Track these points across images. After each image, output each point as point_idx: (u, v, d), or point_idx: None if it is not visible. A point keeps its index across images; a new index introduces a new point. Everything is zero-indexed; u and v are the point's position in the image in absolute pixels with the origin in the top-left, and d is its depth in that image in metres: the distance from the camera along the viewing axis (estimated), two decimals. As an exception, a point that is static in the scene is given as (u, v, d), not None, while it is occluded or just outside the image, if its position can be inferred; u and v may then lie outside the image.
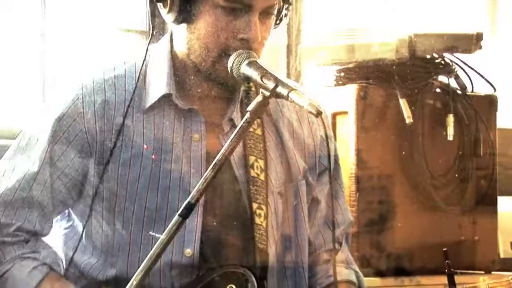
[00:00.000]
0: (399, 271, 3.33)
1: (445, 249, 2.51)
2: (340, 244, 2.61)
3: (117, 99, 2.39)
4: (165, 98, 2.38)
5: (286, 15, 2.44)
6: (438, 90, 3.48)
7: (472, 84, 3.53)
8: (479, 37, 3.49)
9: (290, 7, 2.43)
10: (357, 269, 2.68)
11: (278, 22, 2.41)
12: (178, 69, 2.43)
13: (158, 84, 2.40)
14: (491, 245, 3.52)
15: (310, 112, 2.20)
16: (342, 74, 3.51)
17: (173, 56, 2.44)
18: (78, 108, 2.38)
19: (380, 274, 3.26)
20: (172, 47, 2.44)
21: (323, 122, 2.40)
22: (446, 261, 2.42)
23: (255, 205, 2.41)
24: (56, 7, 3.49)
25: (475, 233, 3.48)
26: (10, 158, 2.43)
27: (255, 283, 2.31)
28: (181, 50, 2.41)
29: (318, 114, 2.18)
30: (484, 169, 3.52)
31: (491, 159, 3.53)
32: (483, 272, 3.34)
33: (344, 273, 2.58)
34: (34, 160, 2.37)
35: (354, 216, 3.09)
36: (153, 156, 2.36)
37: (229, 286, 2.34)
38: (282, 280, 2.51)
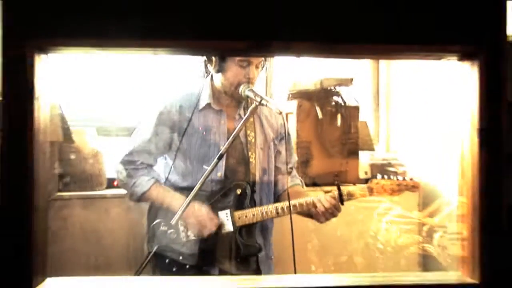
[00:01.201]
0: (315, 184, 3.30)
1: (336, 173, 2.51)
2: (291, 170, 2.59)
3: (186, 105, 2.39)
4: (208, 105, 2.37)
5: (264, 66, 2.43)
6: (333, 103, 3.43)
7: (348, 100, 3.49)
8: (352, 79, 3.45)
9: (267, 63, 2.43)
10: (301, 179, 2.67)
11: (262, 67, 2.43)
12: (214, 92, 2.40)
13: (205, 98, 2.38)
14: (355, 172, 3.48)
15: (276, 112, 2.21)
16: (291, 95, 3.45)
17: (212, 86, 2.40)
18: (168, 109, 2.39)
19: (306, 185, 3.23)
20: (212, 82, 2.41)
21: (282, 117, 2.40)
22: (336, 180, 2.40)
23: (249, 153, 2.41)
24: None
25: (347, 167, 3.44)
26: (138, 132, 2.42)
27: (249, 189, 2.32)
28: (217, 83, 2.40)
29: (280, 113, 2.19)
30: (353, 139, 3.48)
31: (355, 135, 3.49)
32: (352, 184, 3.32)
33: (295, 181, 2.57)
34: (148, 132, 2.37)
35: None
36: (202, 133, 2.37)
37: (237, 189, 2.35)
38: (262, 188, 2.50)
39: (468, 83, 1.64)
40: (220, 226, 2.38)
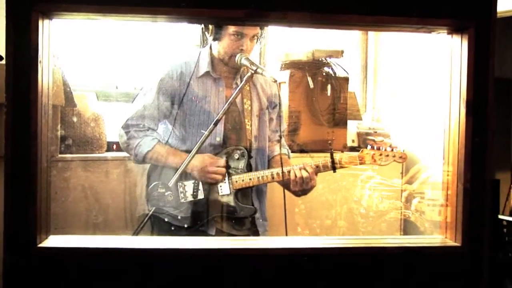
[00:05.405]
0: (303, 151, 3.25)
1: (329, 141, 2.51)
2: (281, 138, 2.56)
3: (186, 72, 2.32)
4: (207, 73, 2.31)
5: (262, 37, 2.38)
6: (324, 73, 3.37)
7: (337, 71, 3.44)
8: (342, 52, 3.39)
9: (263, 34, 2.37)
10: (288, 148, 2.64)
11: (257, 41, 2.37)
12: (213, 60, 2.33)
13: (204, 66, 2.31)
14: (342, 141, 3.44)
15: (271, 80, 2.19)
16: (284, 65, 3.37)
17: (211, 54, 2.33)
18: (169, 75, 2.35)
19: (294, 151, 3.16)
20: (211, 50, 2.34)
21: (276, 85, 2.38)
22: (330, 149, 2.38)
23: (246, 120, 2.38)
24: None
25: (335, 135, 3.41)
26: (139, 98, 2.37)
27: (246, 153, 2.29)
28: (214, 52, 2.33)
29: (274, 81, 2.17)
30: (341, 109, 3.44)
31: (344, 105, 3.44)
32: (340, 151, 3.30)
33: (283, 150, 2.55)
34: (149, 98, 2.32)
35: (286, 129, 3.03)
36: (201, 99, 2.34)
37: (235, 154, 2.34)
38: (258, 154, 2.48)
39: (457, 56, 1.62)
40: (219, 186, 2.37)
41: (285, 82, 3.29)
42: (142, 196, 2.49)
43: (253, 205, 2.45)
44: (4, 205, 1.43)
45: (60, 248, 1.50)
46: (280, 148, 2.49)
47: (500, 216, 2.09)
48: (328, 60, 3.39)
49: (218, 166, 2.34)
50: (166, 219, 2.37)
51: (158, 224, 2.38)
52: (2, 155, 1.42)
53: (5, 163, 1.42)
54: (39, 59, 1.44)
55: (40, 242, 1.49)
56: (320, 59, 3.37)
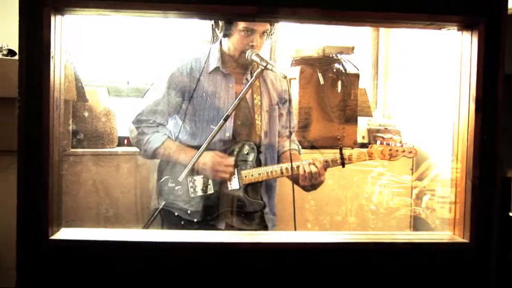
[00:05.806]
0: (313, 147, 3.25)
1: (339, 137, 2.51)
2: (291, 133, 2.56)
3: (196, 68, 2.32)
4: (217, 69, 2.31)
5: (272, 33, 2.38)
6: (334, 70, 3.36)
7: (348, 68, 3.42)
8: (353, 48, 3.38)
9: (273, 30, 2.37)
10: (298, 144, 2.63)
11: (267, 36, 2.37)
12: (223, 56, 2.33)
13: (214, 62, 2.31)
14: (353, 137, 3.42)
15: (281, 76, 2.19)
16: (294, 61, 3.36)
17: (221, 50, 2.33)
18: (180, 71, 2.34)
19: (305, 148, 3.17)
20: (221, 46, 2.34)
21: (286, 81, 2.37)
22: (339, 144, 2.38)
23: (256, 115, 2.37)
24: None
25: (346, 132, 3.40)
26: (150, 93, 2.38)
27: (256, 148, 2.29)
28: (225, 48, 2.33)
29: (285, 77, 2.16)
30: (352, 106, 3.42)
31: (354, 101, 3.42)
32: (350, 147, 3.29)
33: (292, 146, 2.55)
34: (160, 93, 2.32)
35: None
36: (211, 95, 2.33)
37: (244, 149, 2.34)
38: (267, 149, 2.48)
39: (467, 52, 1.62)
40: (229, 180, 2.39)
41: (295, 78, 3.30)
42: (152, 191, 2.52)
43: (262, 199, 2.46)
44: (17, 199, 1.45)
45: (71, 241, 1.52)
46: (290, 143, 2.51)
47: (511, 214, 2.09)
48: (339, 56, 3.37)
49: (227, 165, 2.36)
50: (176, 213, 2.39)
51: (168, 218, 2.40)
52: (15, 150, 1.44)
53: (18, 157, 1.44)
54: (51, 54, 1.46)
55: (52, 235, 1.51)
56: (330, 56, 3.36)
